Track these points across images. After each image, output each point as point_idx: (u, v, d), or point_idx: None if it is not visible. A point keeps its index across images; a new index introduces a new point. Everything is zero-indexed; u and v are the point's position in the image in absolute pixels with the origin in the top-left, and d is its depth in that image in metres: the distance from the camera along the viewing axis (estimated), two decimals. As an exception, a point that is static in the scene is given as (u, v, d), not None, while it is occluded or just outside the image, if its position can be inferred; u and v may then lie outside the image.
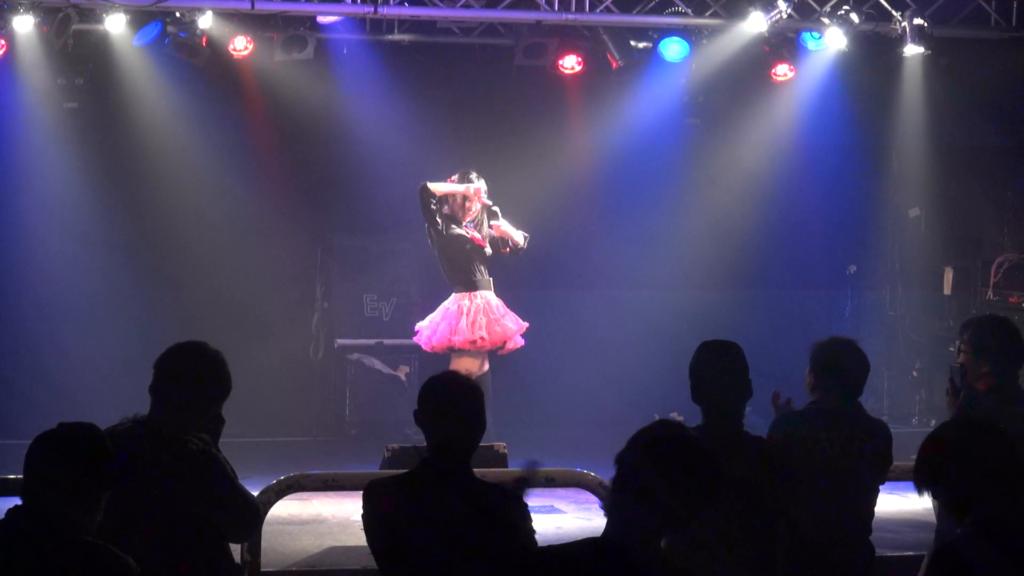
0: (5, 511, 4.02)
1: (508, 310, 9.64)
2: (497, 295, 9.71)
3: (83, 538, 3.91)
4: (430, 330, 9.70)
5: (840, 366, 5.74)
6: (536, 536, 4.64)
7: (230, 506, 4.88)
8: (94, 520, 3.98)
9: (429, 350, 9.77)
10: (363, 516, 4.63)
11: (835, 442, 5.65)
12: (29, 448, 4.06)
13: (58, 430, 4.07)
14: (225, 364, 4.99)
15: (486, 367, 9.54)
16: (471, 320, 9.55)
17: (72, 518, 3.93)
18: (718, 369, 5.26)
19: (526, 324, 9.69)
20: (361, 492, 4.67)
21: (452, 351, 9.56)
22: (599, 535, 3.62)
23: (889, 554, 7.26)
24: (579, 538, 3.63)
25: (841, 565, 5.66)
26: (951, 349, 12.67)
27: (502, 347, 9.63)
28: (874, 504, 5.75)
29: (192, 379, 4.90)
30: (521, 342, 9.69)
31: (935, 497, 3.95)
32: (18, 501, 4.04)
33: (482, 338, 9.51)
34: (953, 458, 3.83)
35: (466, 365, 9.33)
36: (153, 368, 4.96)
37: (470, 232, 9.61)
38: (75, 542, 3.89)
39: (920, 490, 3.92)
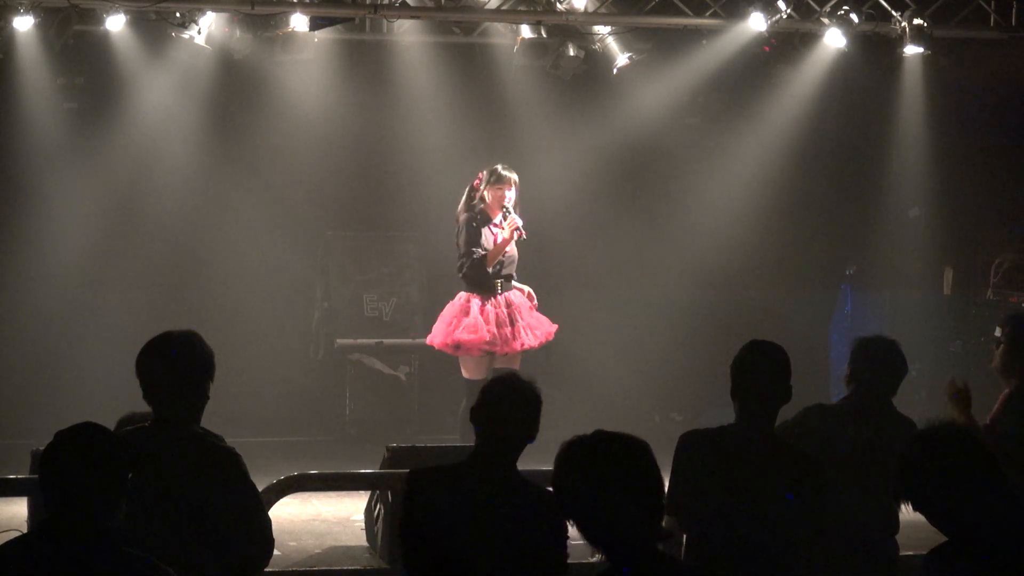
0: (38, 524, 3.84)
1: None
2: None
3: (126, 549, 3.80)
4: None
5: (876, 363, 5.84)
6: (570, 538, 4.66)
7: (247, 511, 4.83)
8: (120, 522, 3.84)
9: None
10: (403, 503, 4.66)
11: (860, 437, 5.69)
12: (42, 460, 3.90)
13: (66, 435, 3.89)
14: (200, 341, 4.95)
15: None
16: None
17: (108, 525, 3.78)
18: (758, 370, 5.25)
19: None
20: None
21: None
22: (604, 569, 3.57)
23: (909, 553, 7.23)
24: (580, 540, 3.62)
25: (865, 563, 5.67)
26: (951, 349, 12.81)
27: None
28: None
29: (178, 371, 4.87)
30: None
31: (917, 510, 3.88)
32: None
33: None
34: (930, 475, 3.77)
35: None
36: (137, 377, 4.93)
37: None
38: (119, 554, 3.79)
39: (899, 502, 3.88)
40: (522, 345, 9.62)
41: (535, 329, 9.72)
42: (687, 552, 5.10)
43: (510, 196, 9.65)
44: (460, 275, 9.76)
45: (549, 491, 4.67)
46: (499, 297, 9.67)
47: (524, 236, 9.61)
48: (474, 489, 4.58)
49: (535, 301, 9.87)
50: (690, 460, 5.20)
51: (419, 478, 4.73)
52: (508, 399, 4.73)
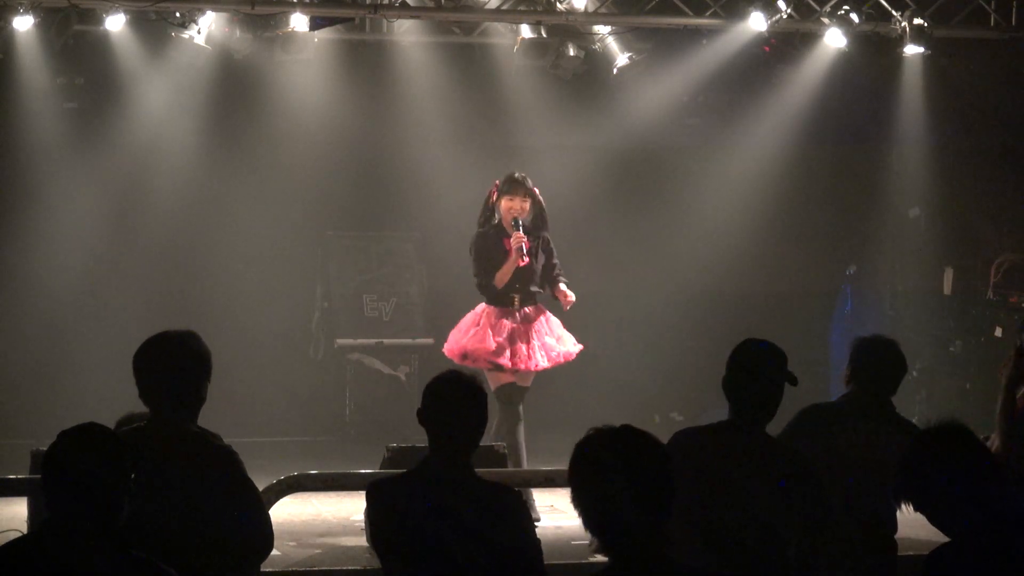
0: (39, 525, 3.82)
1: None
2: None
3: (127, 550, 3.78)
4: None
5: (876, 363, 5.84)
6: (537, 533, 4.67)
7: (245, 509, 4.83)
8: (121, 524, 3.80)
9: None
10: (366, 515, 4.64)
11: (859, 436, 5.69)
12: (45, 460, 3.88)
13: (69, 435, 3.87)
14: (197, 341, 4.95)
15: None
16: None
17: (110, 526, 3.76)
18: (755, 368, 5.23)
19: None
20: (361, 492, 4.68)
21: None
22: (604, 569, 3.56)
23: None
24: (580, 540, 3.61)
25: (864, 564, 5.66)
26: (951, 349, 12.81)
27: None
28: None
29: (175, 371, 4.87)
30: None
31: (917, 510, 3.87)
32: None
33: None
34: (931, 475, 3.76)
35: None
36: (134, 376, 4.93)
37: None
38: (120, 554, 3.77)
39: (899, 502, 3.87)
40: (536, 366, 9.33)
41: (551, 350, 9.38)
42: (680, 551, 5.08)
43: (522, 208, 9.21)
44: (479, 290, 9.50)
45: (510, 488, 4.69)
46: (517, 312, 9.39)
47: (523, 263, 9.09)
48: (431, 492, 4.57)
49: (571, 296, 9.22)
50: (682, 458, 5.18)
51: (377, 489, 4.71)
52: (451, 397, 4.68)
